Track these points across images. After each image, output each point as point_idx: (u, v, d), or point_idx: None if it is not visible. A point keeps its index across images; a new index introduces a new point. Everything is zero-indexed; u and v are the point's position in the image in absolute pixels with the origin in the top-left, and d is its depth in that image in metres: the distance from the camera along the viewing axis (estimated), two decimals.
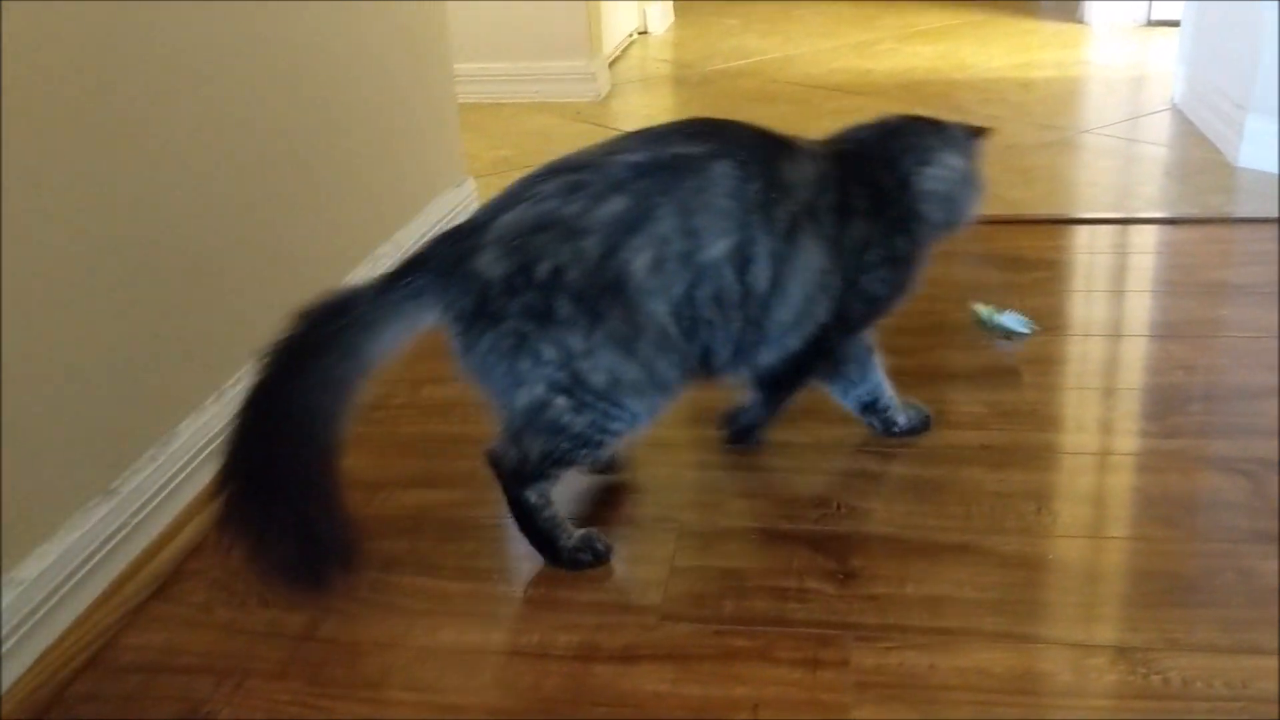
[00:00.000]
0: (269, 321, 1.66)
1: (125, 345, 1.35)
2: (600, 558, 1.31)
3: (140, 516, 1.35)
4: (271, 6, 1.67)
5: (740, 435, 1.52)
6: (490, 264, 1.21)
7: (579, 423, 1.24)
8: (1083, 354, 1.78)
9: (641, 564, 1.32)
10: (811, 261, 1.29)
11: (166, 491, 1.40)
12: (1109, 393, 1.65)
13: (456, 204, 2.39)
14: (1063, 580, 1.25)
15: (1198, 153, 2.79)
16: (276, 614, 1.26)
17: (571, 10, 3.60)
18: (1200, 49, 3.07)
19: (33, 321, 1.19)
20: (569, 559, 1.31)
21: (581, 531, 1.32)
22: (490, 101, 3.61)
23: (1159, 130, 3.04)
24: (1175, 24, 3.57)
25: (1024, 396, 1.64)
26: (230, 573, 1.33)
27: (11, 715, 1.12)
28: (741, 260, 1.25)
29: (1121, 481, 1.44)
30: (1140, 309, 1.95)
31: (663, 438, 1.55)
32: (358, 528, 1.21)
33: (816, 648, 1.16)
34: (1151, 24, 4.37)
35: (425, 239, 2.17)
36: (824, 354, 1.41)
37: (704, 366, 1.30)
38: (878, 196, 1.36)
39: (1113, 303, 1.97)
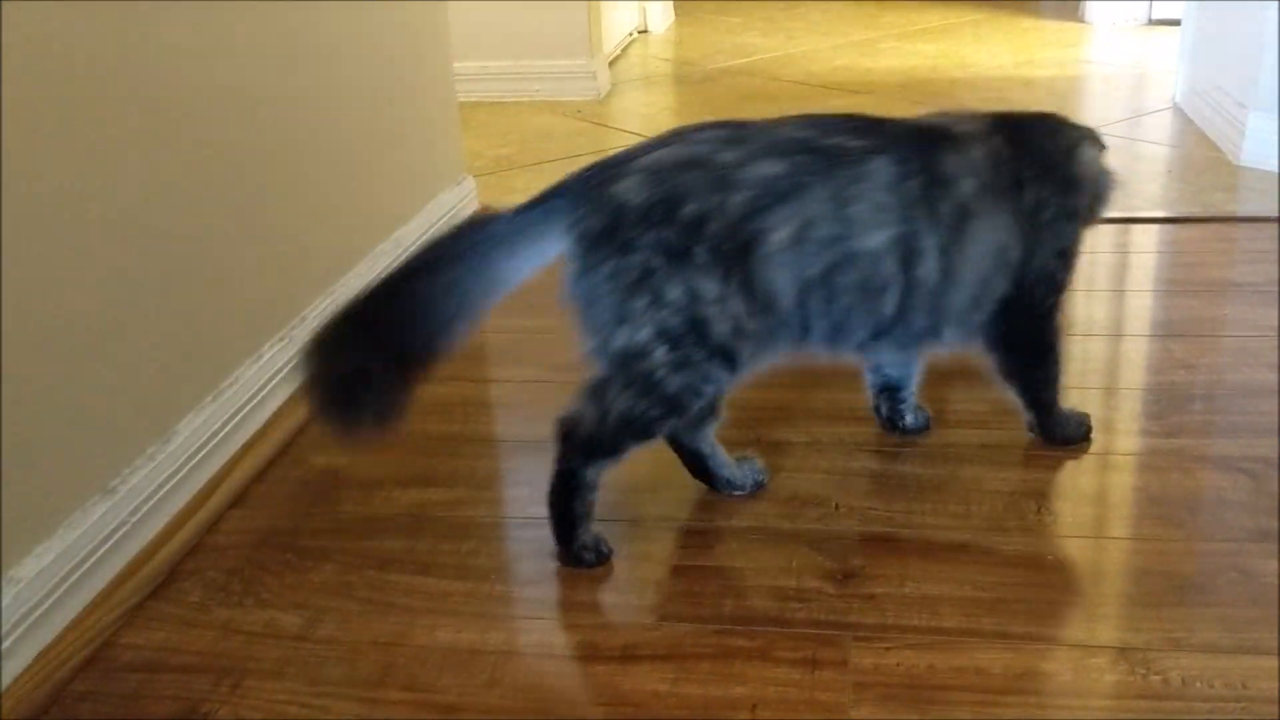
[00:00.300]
0: (267, 321, 1.67)
1: (124, 344, 1.35)
2: (602, 559, 1.31)
3: (138, 515, 1.35)
4: (272, 5, 1.67)
5: (1047, 435, 1.49)
6: (631, 190, 1.20)
7: (673, 383, 1.23)
8: (1084, 353, 1.78)
9: (641, 563, 1.32)
10: (987, 244, 1.31)
11: (165, 490, 1.40)
12: (1111, 392, 1.65)
13: (456, 202, 2.39)
14: (1063, 580, 1.25)
15: (1199, 151, 2.78)
16: (274, 613, 1.26)
17: (572, 9, 3.60)
18: (1201, 47, 3.07)
19: (31, 320, 1.19)
20: (575, 554, 1.30)
21: (593, 534, 1.32)
22: (491, 100, 3.61)
23: (1160, 129, 3.04)
24: (1176, 23, 3.57)
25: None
26: (228, 572, 1.33)
27: (10, 714, 1.12)
28: (906, 252, 1.26)
29: (1123, 481, 1.44)
30: (1142, 308, 1.95)
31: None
32: (407, 411, 1.22)
33: (815, 647, 1.16)
34: (1153, 23, 4.38)
35: (425, 237, 2.18)
36: (1049, 319, 1.42)
37: (831, 341, 1.31)
38: (1047, 162, 1.37)
39: (1114, 302, 1.97)
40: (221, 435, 1.52)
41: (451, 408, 1.69)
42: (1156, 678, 1.10)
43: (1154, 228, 2.31)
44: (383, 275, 1.24)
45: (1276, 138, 2.55)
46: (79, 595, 1.25)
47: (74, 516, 1.26)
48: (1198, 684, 1.09)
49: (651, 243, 1.19)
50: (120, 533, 1.32)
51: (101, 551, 1.29)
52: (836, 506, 1.39)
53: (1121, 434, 1.53)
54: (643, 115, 3.50)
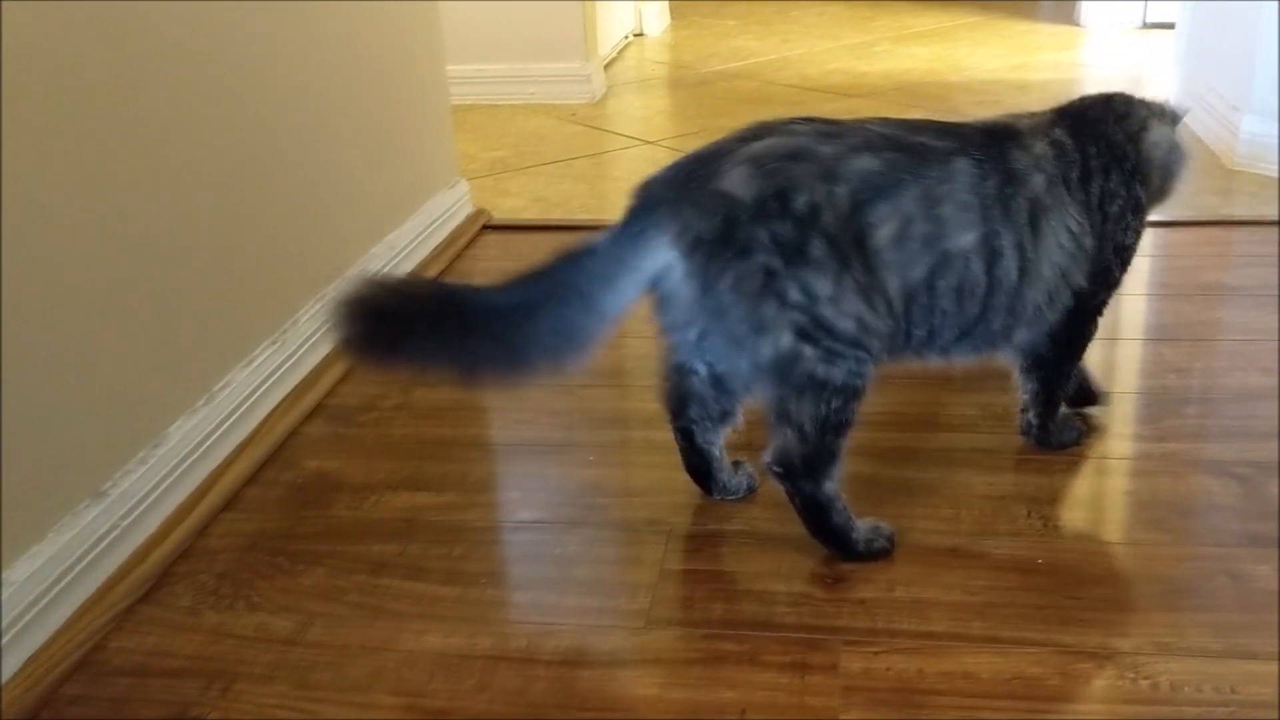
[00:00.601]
0: (260, 324, 1.67)
1: (116, 347, 1.35)
2: (891, 544, 1.30)
3: (129, 519, 1.35)
4: (264, 7, 1.67)
5: (1043, 437, 1.49)
6: (740, 184, 1.16)
7: (837, 374, 1.20)
8: None
9: (630, 567, 1.32)
10: (1061, 238, 1.30)
11: (156, 494, 1.40)
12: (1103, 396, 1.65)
13: (450, 205, 2.39)
14: (1053, 584, 1.25)
15: (1193, 155, 2.78)
16: (264, 617, 1.26)
17: (567, 12, 3.60)
18: (1196, 51, 3.07)
19: (23, 324, 1.19)
20: (866, 549, 1.29)
21: (865, 522, 1.31)
22: (486, 103, 3.61)
23: None
24: (1171, 26, 3.57)
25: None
26: (219, 576, 1.33)
27: (1, 716, 1.12)
28: (990, 254, 1.25)
29: (1113, 485, 1.44)
30: (1135, 312, 1.95)
31: (654, 440, 1.55)
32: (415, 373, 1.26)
33: (805, 652, 1.16)
34: (1147, 26, 4.38)
35: (418, 240, 2.18)
36: (1093, 316, 1.43)
37: (921, 348, 1.30)
38: (1113, 152, 1.36)
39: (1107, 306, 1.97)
40: (213, 439, 1.51)
41: (443, 411, 1.69)
42: (1146, 682, 1.10)
43: (1147, 231, 2.31)
44: (475, 297, 1.21)
45: (1271, 142, 2.55)
46: (70, 599, 1.25)
47: (65, 520, 1.26)
48: (1187, 689, 1.09)
49: (768, 241, 1.15)
50: (111, 536, 1.32)
51: (92, 555, 1.29)
52: None
53: (1113, 438, 1.53)
54: (638, 118, 3.50)
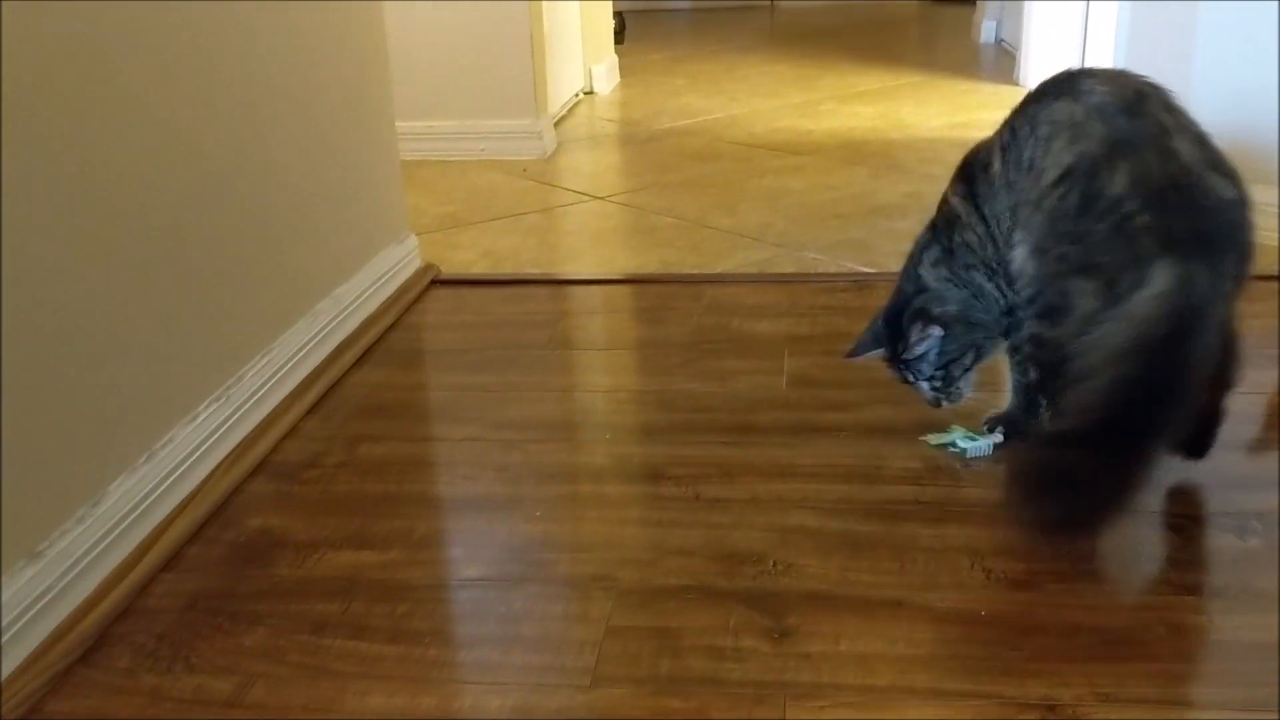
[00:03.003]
0: (204, 380, 1.65)
1: (54, 403, 1.33)
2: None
3: (67, 579, 1.32)
4: (210, 58, 1.67)
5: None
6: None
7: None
8: None
9: (576, 624, 1.31)
10: None
11: (95, 554, 1.37)
12: None
13: (398, 260, 2.39)
14: (995, 635, 1.26)
15: None
16: (204, 679, 1.23)
17: (518, 70, 3.63)
18: None
19: None
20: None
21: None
22: (437, 159, 3.62)
23: None
24: None
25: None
26: (158, 637, 1.31)
27: None
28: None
29: None
30: None
31: (601, 494, 1.55)
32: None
33: (751, 707, 1.16)
34: None
35: (365, 295, 2.18)
36: None
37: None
38: None
39: None
40: (154, 497, 1.49)
41: (387, 467, 1.68)
42: None
43: None
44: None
45: None
46: (6, 661, 1.22)
47: (1, 581, 1.24)
48: None
49: None
50: (48, 597, 1.29)
51: (29, 616, 1.26)
52: (773, 564, 1.39)
53: None
54: (589, 174, 3.53)
